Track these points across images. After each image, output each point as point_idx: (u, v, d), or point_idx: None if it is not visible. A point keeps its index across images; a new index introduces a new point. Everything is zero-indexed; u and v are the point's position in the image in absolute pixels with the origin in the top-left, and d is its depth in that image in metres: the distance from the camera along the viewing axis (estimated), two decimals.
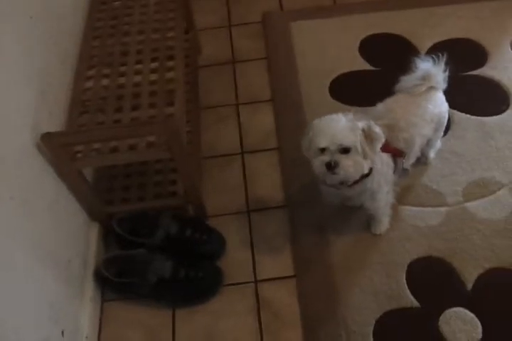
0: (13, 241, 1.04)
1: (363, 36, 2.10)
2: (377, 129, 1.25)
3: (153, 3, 1.66)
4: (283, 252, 1.48)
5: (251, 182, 1.65)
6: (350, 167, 1.19)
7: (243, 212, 1.58)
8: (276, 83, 1.96)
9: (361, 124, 1.23)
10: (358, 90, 1.92)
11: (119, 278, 1.32)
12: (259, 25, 2.17)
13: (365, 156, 1.22)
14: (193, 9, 1.96)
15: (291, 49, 2.07)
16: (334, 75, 1.97)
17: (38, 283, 1.13)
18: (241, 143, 1.75)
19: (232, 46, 2.08)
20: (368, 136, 1.22)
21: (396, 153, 1.36)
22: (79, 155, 1.23)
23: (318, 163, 1.20)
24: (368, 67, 2.00)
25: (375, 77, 1.96)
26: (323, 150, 1.20)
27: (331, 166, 1.18)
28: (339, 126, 1.21)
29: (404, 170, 1.41)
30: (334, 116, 1.25)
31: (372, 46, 2.08)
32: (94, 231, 1.45)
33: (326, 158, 1.19)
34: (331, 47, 2.07)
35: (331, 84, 1.94)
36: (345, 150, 1.19)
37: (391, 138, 1.34)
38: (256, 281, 1.44)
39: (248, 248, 1.50)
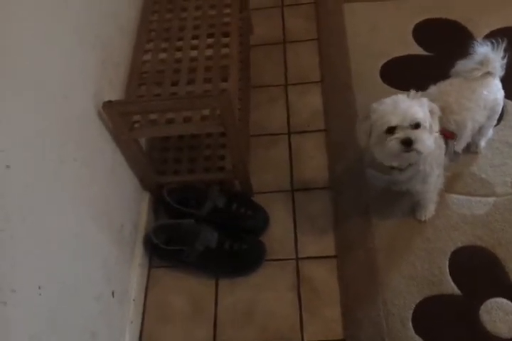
0: (74, 199, 1.10)
1: (417, 20, 2.06)
2: (434, 104, 1.25)
3: None
4: (325, 232, 1.49)
5: (296, 162, 1.66)
6: (427, 141, 1.18)
7: (287, 191, 1.60)
8: (326, 64, 1.94)
9: (425, 100, 1.23)
10: (410, 75, 1.88)
11: (167, 245, 1.36)
12: (312, 6, 2.15)
13: (430, 132, 1.21)
14: None
15: (343, 31, 2.04)
16: (386, 59, 1.94)
17: (93, 242, 1.19)
18: (288, 124, 1.76)
19: (283, 26, 2.07)
20: (431, 110, 1.22)
21: (447, 135, 1.34)
22: (136, 125, 1.27)
23: (394, 141, 1.17)
24: (421, 51, 1.96)
25: (427, 62, 1.92)
26: (391, 130, 1.18)
27: (408, 142, 1.16)
28: (407, 103, 1.20)
29: (455, 154, 1.39)
30: (394, 96, 1.24)
31: (427, 31, 2.03)
32: (145, 199, 1.50)
33: (400, 135, 1.17)
34: (383, 30, 2.03)
35: (382, 67, 1.92)
36: (417, 126, 1.18)
37: (442, 120, 1.32)
38: (297, 258, 1.46)
39: (291, 226, 1.52)
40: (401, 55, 1.95)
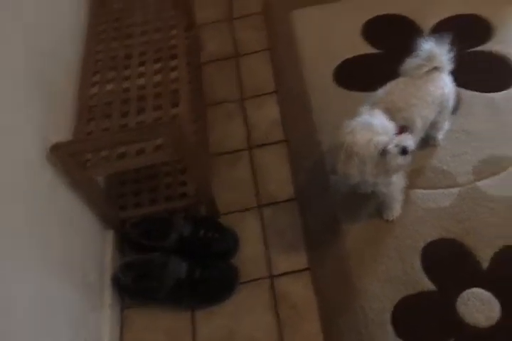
0: (28, 255, 1.06)
1: (365, 19, 2.08)
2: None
3: (153, 2, 1.67)
4: (296, 245, 1.50)
5: (260, 177, 1.66)
6: (410, 139, 1.22)
7: (255, 208, 1.60)
8: (279, 74, 1.96)
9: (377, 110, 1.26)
10: (363, 75, 1.91)
11: (137, 283, 1.35)
12: (260, 16, 2.17)
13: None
14: (193, 5, 1.97)
15: (293, 38, 2.06)
16: (338, 61, 1.96)
17: (56, 296, 1.14)
18: (248, 138, 1.77)
19: (234, 40, 2.09)
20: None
21: (400, 130, 1.35)
22: (89, 163, 1.26)
23: (399, 158, 1.20)
24: (371, 50, 1.98)
25: (379, 60, 1.94)
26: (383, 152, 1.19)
27: (405, 149, 1.20)
28: (375, 119, 1.21)
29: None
30: (359, 120, 1.24)
31: (375, 29, 2.06)
32: (108, 238, 1.47)
33: (395, 148, 1.19)
34: (333, 32, 2.05)
35: (335, 70, 1.93)
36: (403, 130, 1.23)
37: (390, 119, 1.34)
38: (271, 276, 1.45)
39: (262, 243, 1.52)
40: (352, 56, 1.97)
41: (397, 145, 1.19)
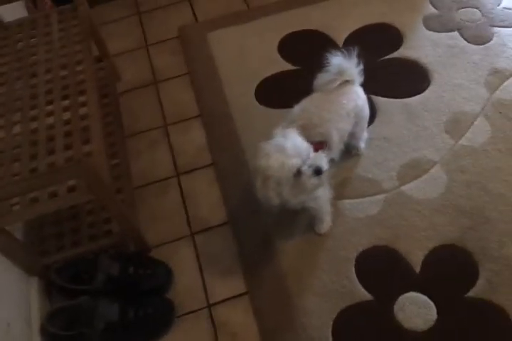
0: None
1: (280, 36, 2.12)
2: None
3: (57, 38, 1.64)
4: (233, 270, 1.48)
5: (190, 204, 1.64)
6: (322, 156, 1.24)
7: (187, 236, 1.57)
8: (201, 97, 1.96)
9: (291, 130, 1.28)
10: (283, 92, 1.93)
11: (67, 330, 1.29)
12: (176, 40, 2.16)
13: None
14: (104, 35, 1.94)
15: (211, 60, 2.07)
16: (258, 80, 1.98)
17: None
18: (175, 165, 1.74)
19: (152, 66, 2.07)
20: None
21: (317, 147, 1.37)
22: None
23: (312, 179, 1.20)
24: (289, 67, 2.01)
25: (297, 76, 1.98)
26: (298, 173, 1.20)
27: (319, 169, 1.20)
28: (289, 141, 1.22)
29: (332, 161, 1.43)
30: (273, 142, 1.24)
31: (291, 45, 2.10)
32: (33, 286, 1.40)
33: (309, 169, 1.20)
34: (250, 52, 2.08)
35: (256, 90, 1.95)
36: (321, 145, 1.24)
37: (307, 137, 1.36)
38: (209, 305, 1.43)
39: (197, 272, 1.49)
40: (271, 74, 2.00)
41: (310, 166, 1.20)
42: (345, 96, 1.45)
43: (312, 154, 1.25)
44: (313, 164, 1.20)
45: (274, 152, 1.20)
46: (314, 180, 1.21)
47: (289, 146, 1.19)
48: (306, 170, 1.20)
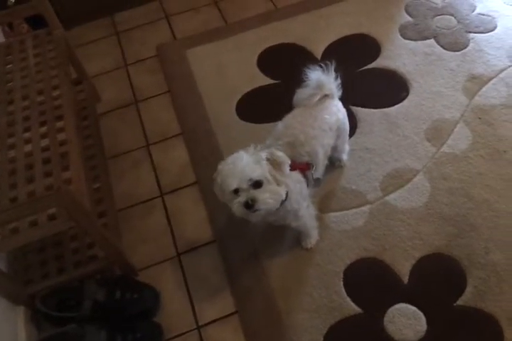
0: None
1: (259, 51, 2.14)
2: (280, 153, 1.26)
3: (33, 63, 1.63)
4: (221, 290, 1.47)
5: (176, 224, 1.63)
6: (268, 199, 1.19)
7: (174, 257, 1.56)
8: (182, 115, 1.96)
9: (263, 154, 1.23)
10: (264, 106, 1.94)
11: None
12: (155, 59, 2.17)
13: (278, 183, 1.22)
14: (83, 56, 1.94)
15: (191, 77, 2.07)
16: (238, 96, 1.98)
17: None
18: (159, 185, 1.74)
19: (132, 86, 2.07)
20: (274, 162, 1.23)
21: (304, 168, 1.37)
22: None
23: (236, 205, 1.18)
24: (269, 81, 2.02)
25: (277, 90, 1.99)
26: (236, 191, 1.19)
27: (249, 205, 1.17)
28: (243, 162, 1.20)
29: (317, 181, 1.43)
30: (235, 154, 1.24)
31: (270, 59, 2.11)
32: (20, 316, 1.39)
33: (241, 198, 1.17)
34: (230, 68, 2.08)
35: (237, 105, 1.96)
36: (258, 184, 1.18)
37: (294, 154, 1.36)
38: (198, 327, 1.42)
39: (185, 294, 1.48)
40: (251, 88, 2.01)
41: (246, 196, 1.16)
42: (327, 110, 1.46)
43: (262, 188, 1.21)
44: (249, 197, 1.16)
45: (228, 164, 1.21)
46: (240, 210, 1.17)
47: (238, 167, 1.18)
48: (241, 195, 1.17)
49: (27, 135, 1.41)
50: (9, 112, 1.48)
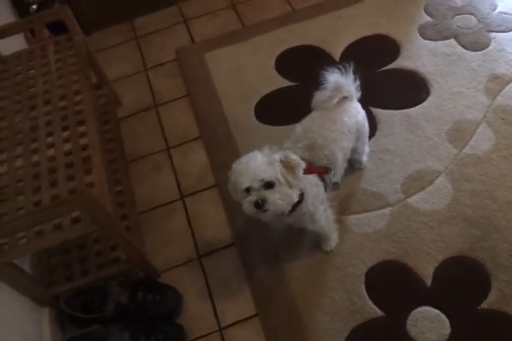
0: None
1: (277, 53, 2.14)
2: (294, 156, 1.26)
3: (55, 69, 1.66)
4: (242, 292, 1.47)
5: (197, 226, 1.64)
6: (278, 200, 1.19)
7: (195, 259, 1.57)
8: (201, 118, 1.97)
9: (277, 156, 1.23)
10: (283, 109, 1.94)
11: None
12: (174, 63, 2.19)
13: (290, 186, 1.22)
14: (103, 61, 1.96)
15: (209, 80, 2.09)
16: (257, 98, 1.99)
17: None
18: (179, 188, 1.75)
19: (152, 90, 2.09)
20: (287, 165, 1.23)
21: (321, 171, 1.37)
22: (5, 247, 1.21)
23: (247, 204, 1.19)
24: (287, 83, 2.02)
25: (295, 92, 1.99)
26: (248, 190, 1.20)
27: (259, 204, 1.17)
28: (256, 162, 1.21)
29: (335, 185, 1.42)
30: (250, 154, 1.26)
31: (288, 61, 2.11)
32: (45, 317, 1.41)
33: (252, 197, 1.18)
34: (248, 70, 2.09)
35: (255, 108, 1.96)
36: (269, 185, 1.19)
37: (313, 157, 1.36)
38: (220, 329, 1.42)
39: (207, 296, 1.48)
40: (270, 91, 2.01)
41: (258, 196, 1.17)
42: (346, 113, 1.45)
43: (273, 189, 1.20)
44: (260, 197, 1.17)
45: (242, 163, 1.23)
46: (250, 209, 1.18)
47: (251, 167, 1.20)
48: (252, 194, 1.18)
49: (50, 139, 1.44)
50: (32, 117, 1.51)
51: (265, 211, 1.19)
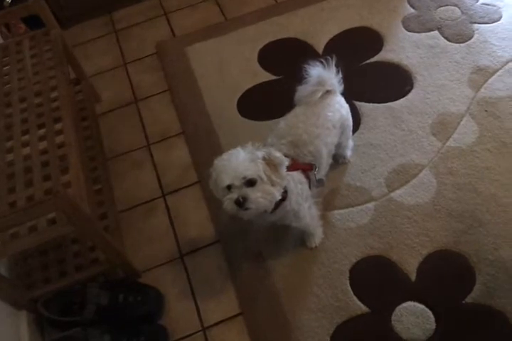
0: None
1: (260, 46, 2.10)
2: (278, 154, 1.24)
3: (30, 64, 1.61)
4: (225, 291, 1.45)
5: (179, 224, 1.61)
6: (259, 198, 1.17)
7: (177, 259, 1.54)
8: (183, 114, 1.93)
9: (260, 153, 1.21)
10: (266, 103, 1.92)
11: None
12: (154, 57, 2.14)
13: (272, 183, 1.20)
14: (82, 55, 1.92)
15: (191, 74, 2.05)
16: (240, 93, 1.95)
17: None
18: (160, 185, 1.71)
19: (131, 85, 2.05)
20: (270, 162, 1.21)
21: (306, 168, 1.35)
22: None
23: (227, 202, 1.17)
24: (270, 77, 1.99)
25: (280, 86, 1.96)
26: (229, 188, 1.17)
27: (240, 202, 1.15)
28: (238, 160, 1.18)
29: (319, 181, 1.40)
30: (232, 151, 1.23)
31: (271, 55, 2.08)
32: (23, 320, 1.37)
33: (233, 195, 1.16)
34: (230, 64, 2.05)
35: (238, 102, 1.93)
36: (251, 183, 1.17)
37: (297, 154, 1.34)
38: (204, 329, 1.40)
39: (189, 295, 1.46)
40: (253, 85, 1.98)
41: (239, 193, 1.15)
42: (329, 107, 1.43)
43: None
44: (241, 195, 1.15)
45: (224, 160, 1.20)
46: (231, 206, 1.16)
47: (233, 164, 1.18)
48: (233, 192, 1.16)
49: (25, 138, 1.40)
50: (7, 115, 1.46)
51: (246, 209, 1.16)
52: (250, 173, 1.16)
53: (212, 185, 1.23)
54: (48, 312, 1.32)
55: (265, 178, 1.17)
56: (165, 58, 2.13)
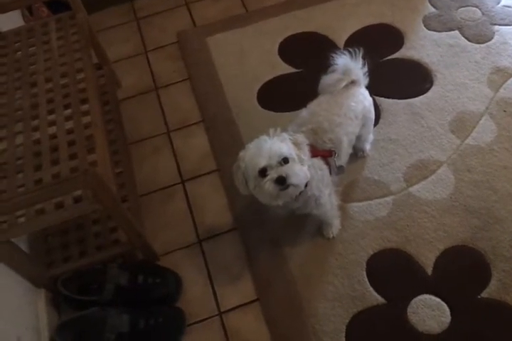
0: None
1: (280, 39, 2.11)
2: (298, 135, 1.28)
3: (56, 46, 1.61)
4: (242, 277, 1.46)
5: (197, 211, 1.62)
6: (300, 171, 1.18)
7: (195, 244, 1.55)
8: (203, 102, 1.94)
9: (286, 134, 1.24)
10: (286, 95, 1.92)
11: None
12: (175, 46, 2.15)
13: (302, 163, 1.22)
14: (103, 42, 1.92)
15: (211, 64, 2.05)
16: (259, 84, 1.96)
17: None
18: (179, 172, 1.72)
19: (152, 72, 2.05)
20: (295, 142, 1.23)
21: (325, 155, 1.35)
22: (4, 225, 1.18)
23: (267, 183, 1.16)
24: (290, 69, 2.00)
25: (299, 78, 1.96)
26: (263, 172, 1.17)
27: (282, 179, 1.16)
28: (269, 142, 1.20)
29: (340, 168, 1.41)
30: (257, 140, 1.24)
31: (291, 48, 2.08)
32: (41, 298, 1.38)
33: (272, 175, 1.17)
34: (251, 56, 2.06)
35: (258, 93, 1.94)
36: (285, 161, 1.19)
37: (316, 141, 1.34)
38: (220, 313, 1.41)
39: (206, 280, 1.47)
40: (273, 77, 1.98)
41: (277, 173, 1.16)
42: (353, 98, 1.43)
43: (289, 164, 1.20)
44: (280, 173, 1.15)
45: (252, 147, 1.21)
46: (273, 187, 1.16)
47: (264, 147, 1.18)
48: (271, 173, 1.17)
49: (51, 117, 1.40)
50: (33, 94, 1.47)
51: (287, 187, 1.17)
52: (286, 150, 1.18)
53: (240, 178, 1.22)
54: (67, 291, 1.32)
55: (296, 158, 1.19)
56: (186, 47, 2.13)
